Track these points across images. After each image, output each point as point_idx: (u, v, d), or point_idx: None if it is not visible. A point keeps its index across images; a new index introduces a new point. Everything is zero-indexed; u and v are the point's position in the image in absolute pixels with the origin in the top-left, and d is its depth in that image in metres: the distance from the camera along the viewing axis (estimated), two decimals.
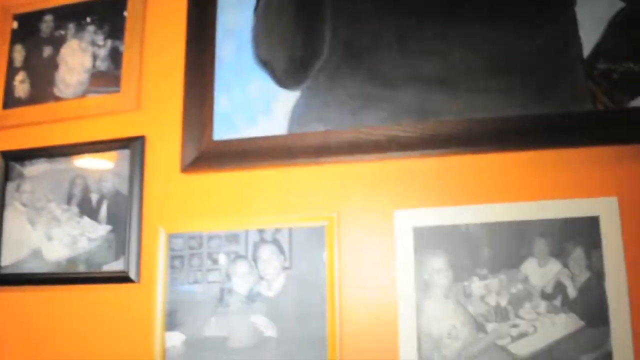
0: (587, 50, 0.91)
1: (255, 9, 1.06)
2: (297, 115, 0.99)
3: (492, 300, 0.89)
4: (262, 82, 1.03)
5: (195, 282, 1.03)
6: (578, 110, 0.89)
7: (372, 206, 0.96)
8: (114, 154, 1.12)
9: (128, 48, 1.15)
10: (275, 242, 0.99)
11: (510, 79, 0.92)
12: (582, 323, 0.86)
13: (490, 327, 0.88)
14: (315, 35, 1.01)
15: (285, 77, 1.01)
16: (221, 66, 1.06)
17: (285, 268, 0.98)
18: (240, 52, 1.05)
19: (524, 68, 0.92)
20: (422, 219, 0.93)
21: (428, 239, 0.92)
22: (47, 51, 1.22)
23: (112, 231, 1.09)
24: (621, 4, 0.92)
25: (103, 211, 1.10)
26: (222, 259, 1.02)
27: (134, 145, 1.10)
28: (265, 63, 1.03)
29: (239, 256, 1.01)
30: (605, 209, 0.88)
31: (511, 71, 0.92)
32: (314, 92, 0.99)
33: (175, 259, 1.05)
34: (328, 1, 1.02)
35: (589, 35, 0.91)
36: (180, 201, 1.06)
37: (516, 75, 0.92)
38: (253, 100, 1.02)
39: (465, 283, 0.90)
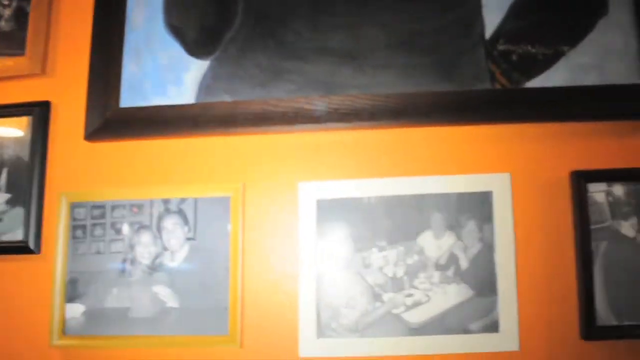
0: (489, 32, 0.94)
1: None
2: (206, 85, 0.98)
3: (389, 271, 0.92)
4: (172, 51, 1.00)
5: (98, 252, 1.00)
6: (477, 89, 0.92)
7: (277, 178, 0.96)
8: (16, 119, 1.06)
9: (34, 9, 1.09)
10: (180, 213, 0.98)
11: (415, 56, 0.94)
12: (472, 292, 0.90)
13: (386, 297, 0.91)
14: (227, 5, 0.99)
15: (196, 46, 0.99)
16: (131, 32, 1.02)
17: (189, 239, 0.97)
18: (151, 19, 1.02)
19: (429, 46, 0.94)
20: (325, 191, 0.94)
21: (330, 211, 0.94)
22: None
23: (11, 200, 1.04)
24: None
25: (2, 179, 1.05)
26: (125, 228, 1.00)
27: (37, 111, 1.05)
28: (177, 31, 1.00)
29: (142, 226, 0.99)
30: (498, 185, 0.92)
31: (417, 49, 0.94)
32: (223, 63, 0.98)
33: (78, 229, 1.01)
34: None
35: (492, 17, 0.94)
36: (84, 170, 1.02)
37: (421, 53, 0.94)
38: (162, 69, 1.00)
39: (365, 254, 0.92)
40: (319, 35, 0.96)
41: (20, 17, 1.10)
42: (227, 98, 0.97)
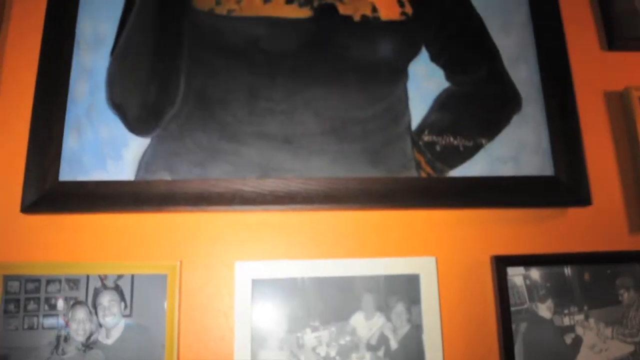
0: (415, 123, 1.01)
1: (112, 50, 1.05)
2: (146, 162, 1.00)
3: (322, 351, 0.95)
4: (113, 126, 1.02)
5: (31, 327, 0.99)
6: (404, 176, 0.98)
7: (214, 256, 0.98)
8: None
9: None
10: (117, 289, 0.99)
11: (347, 143, 1.00)
12: None
13: None
14: (169, 84, 1.03)
15: (137, 123, 1.01)
16: (73, 104, 1.03)
17: (125, 316, 0.98)
18: (93, 93, 1.04)
19: (360, 134, 1.00)
20: (261, 271, 0.97)
21: (265, 291, 0.97)
22: None
23: None
24: (446, 84, 1.03)
25: None
26: (60, 304, 0.99)
27: None
28: (118, 107, 1.02)
29: (78, 302, 0.99)
30: (424, 268, 0.97)
31: (348, 136, 1.00)
32: (163, 141, 1.00)
33: (10, 303, 1.00)
34: (185, 51, 1.04)
35: (417, 109, 1.02)
36: (19, 242, 1.01)
37: (353, 140, 1.00)
38: (103, 143, 1.01)
39: (299, 334, 0.95)
40: (256, 119, 1.01)
41: None
42: (166, 176, 0.99)
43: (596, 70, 1.09)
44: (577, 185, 0.99)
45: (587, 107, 1.07)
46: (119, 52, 1.05)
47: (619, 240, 1.01)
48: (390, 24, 1.04)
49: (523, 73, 1.05)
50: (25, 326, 0.99)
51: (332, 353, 0.95)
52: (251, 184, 0.97)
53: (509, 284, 0.97)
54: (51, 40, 1.06)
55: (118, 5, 1.08)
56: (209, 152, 0.99)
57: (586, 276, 0.99)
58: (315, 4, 1.05)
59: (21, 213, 1.00)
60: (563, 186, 0.99)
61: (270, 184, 0.97)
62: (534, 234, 1.00)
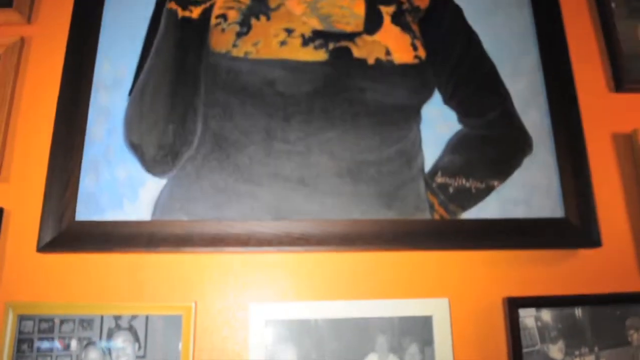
0: (428, 165, 1.03)
1: (130, 91, 1.07)
2: (162, 202, 1.01)
3: None
4: (130, 166, 1.03)
5: None
6: (417, 219, 1.00)
7: (229, 298, 0.99)
8: None
9: None
10: (131, 329, 0.99)
11: (361, 185, 1.01)
12: None
13: None
14: (186, 125, 1.04)
15: (154, 164, 1.03)
16: (91, 145, 1.05)
17: (139, 357, 0.98)
18: (111, 133, 1.05)
19: (374, 176, 1.01)
20: (275, 312, 0.98)
21: (280, 332, 0.97)
22: None
23: None
24: (459, 126, 1.05)
25: None
26: (73, 344, 0.99)
27: None
28: (136, 147, 1.04)
29: (91, 342, 0.99)
30: (437, 309, 0.98)
31: (363, 178, 1.01)
32: (180, 182, 1.02)
33: (24, 343, 1.00)
34: (202, 92, 1.06)
35: (431, 152, 1.03)
36: (34, 281, 1.02)
37: (367, 182, 1.01)
38: (120, 184, 1.02)
39: None
40: (272, 161, 1.02)
41: None
42: (182, 217, 1.00)
43: (604, 113, 1.12)
44: (587, 227, 1.00)
45: (596, 149, 1.09)
46: (137, 93, 1.06)
47: (629, 281, 1.02)
48: (404, 67, 1.07)
49: (534, 116, 1.07)
50: None
51: None
52: (267, 226, 0.98)
53: (521, 325, 0.98)
54: (70, 80, 1.08)
55: (136, 47, 1.10)
56: (225, 193, 1.01)
57: (596, 317, 1.00)
58: (331, 47, 1.07)
59: (37, 252, 1.01)
60: (573, 228, 1.01)
61: (286, 226, 0.98)
62: (545, 275, 1.01)
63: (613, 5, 1.17)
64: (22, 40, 1.16)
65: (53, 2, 1.19)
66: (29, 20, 1.17)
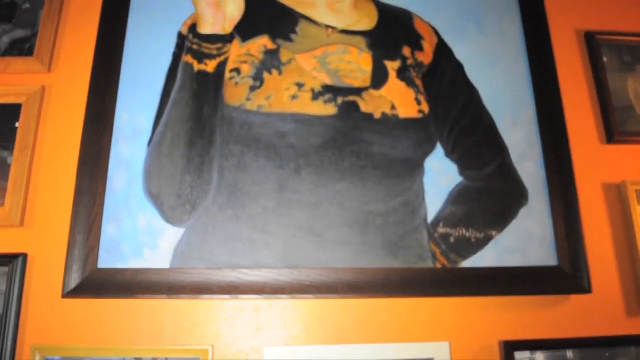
0: (431, 216, 1.10)
1: (149, 142, 1.13)
2: (181, 251, 1.07)
3: None
4: (150, 216, 1.09)
5: None
6: (421, 267, 1.06)
7: (244, 342, 1.05)
8: None
9: (16, 161, 1.16)
10: None
11: (369, 235, 1.07)
12: None
13: None
14: (203, 176, 1.10)
15: (172, 213, 1.09)
16: (112, 194, 1.10)
17: None
18: (132, 183, 1.11)
19: (381, 226, 1.08)
20: (289, 356, 1.04)
21: None
22: None
23: None
24: (460, 178, 1.12)
25: None
26: None
27: (15, 263, 1.10)
28: (155, 197, 1.10)
29: None
30: (439, 353, 1.05)
31: (370, 228, 1.08)
32: (197, 231, 1.08)
33: None
34: (217, 143, 1.12)
35: (433, 203, 1.10)
36: (60, 325, 1.08)
37: (374, 232, 1.08)
38: (141, 232, 1.08)
39: None
40: (285, 211, 1.08)
41: (1, 167, 1.16)
42: (200, 265, 1.06)
43: (596, 163, 1.19)
44: (578, 275, 1.08)
45: (587, 199, 1.16)
46: (155, 144, 1.12)
47: (617, 325, 1.09)
48: (408, 121, 1.13)
49: (530, 167, 1.14)
50: None
51: None
52: (280, 273, 1.05)
53: None
54: (91, 131, 1.14)
55: (154, 98, 1.15)
56: (241, 242, 1.07)
57: (587, 359, 1.07)
58: (339, 101, 1.14)
59: (62, 298, 1.07)
60: (566, 275, 1.08)
61: (298, 274, 1.05)
62: (539, 320, 1.08)
63: (605, 59, 1.24)
64: (43, 88, 1.21)
65: (72, 52, 1.24)
66: (49, 69, 1.23)
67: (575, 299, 1.10)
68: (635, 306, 1.11)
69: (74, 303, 1.08)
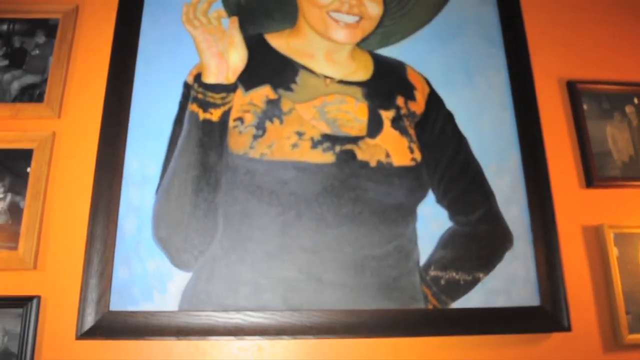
0: (423, 259, 1.17)
1: (157, 189, 1.19)
2: (189, 294, 1.13)
3: None
4: (159, 261, 1.15)
5: None
6: (413, 308, 1.14)
7: None
8: (6, 311, 1.16)
9: (29, 206, 1.21)
10: None
11: (365, 277, 1.15)
12: None
13: None
14: (209, 221, 1.17)
15: (180, 258, 1.15)
16: (122, 240, 1.16)
17: None
18: (141, 229, 1.17)
19: (376, 269, 1.15)
20: None
21: None
22: None
23: None
24: (450, 223, 1.20)
25: None
26: None
27: (29, 305, 1.16)
28: (163, 243, 1.16)
29: None
30: None
31: (366, 271, 1.15)
32: (204, 275, 1.14)
33: None
34: (222, 190, 1.18)
35: (425, 247, 1.18)
36: None
37: (370, 275, 1.15)
38: (150, 277, 1.14)
39: None
40: (286, 256, 1.15)
41: (14, 211, 1.22)
42: (207, 307, 1.13)
43: (576, 207, 1.27)
44: (559, 314, 1.16)
45: (568, 241, 1.24)
46: (163, 191, 1.18)
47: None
48: (402, 169, 1.21)
49: (514, 211, 1.23)
50: None
51: None
52: (282, 315, 1.12)
53: None
54: (102, 177, 1.19)
55: (162, 146, 1.22)
56: (245, 285, 1.13)
57: None
58: (337, 149, 1.21)
59: (76, 340, 1.13)
60: (547, 315, 1.16)
61: (299, 316, 1.12)
62: (523, 357, 1.17)
63: (585, 107, 1.33)
64: (54, 134, 1.26)
65: (81, 98, 1.30)
66: (59, 115, 1.28)
67: (556, 336, 1.18)
68: (611, 343, 1.19)
69: (87, 344, 1.14)
